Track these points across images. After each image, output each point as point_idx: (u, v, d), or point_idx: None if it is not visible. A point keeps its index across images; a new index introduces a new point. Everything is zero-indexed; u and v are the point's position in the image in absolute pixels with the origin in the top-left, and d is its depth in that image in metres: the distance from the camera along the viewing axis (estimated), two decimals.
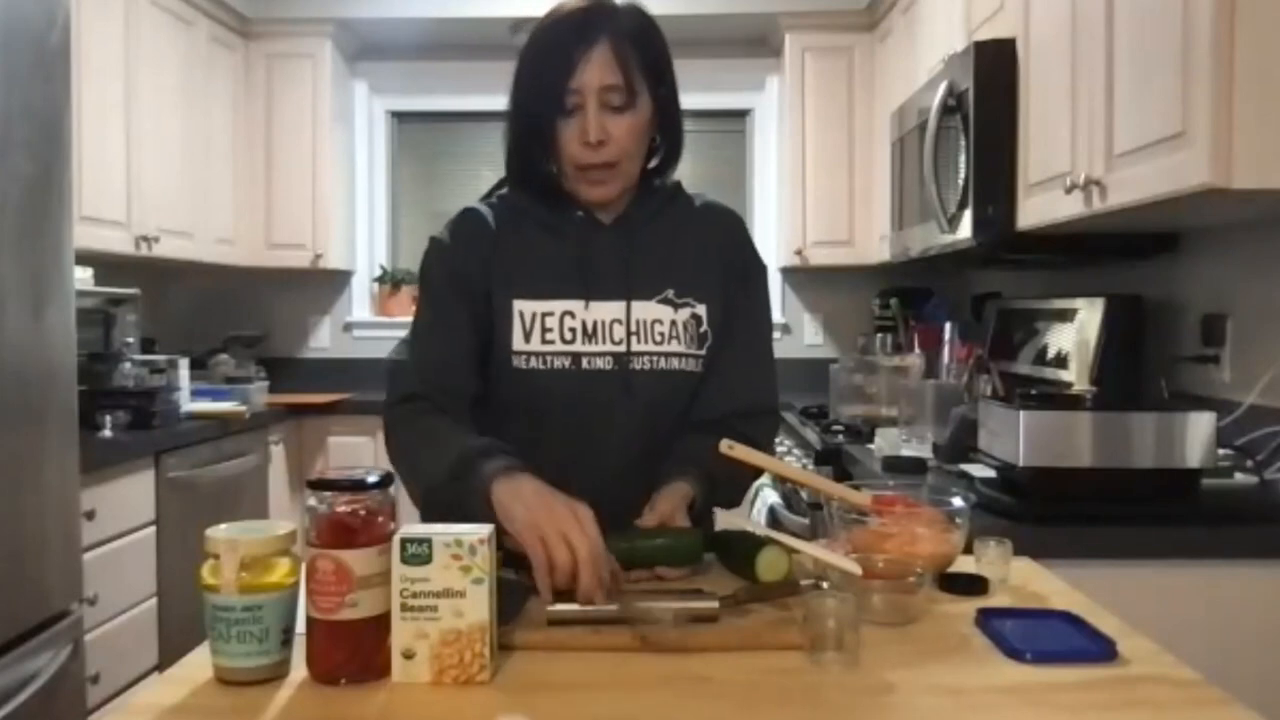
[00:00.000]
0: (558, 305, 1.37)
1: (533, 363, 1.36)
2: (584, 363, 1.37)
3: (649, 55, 1.36)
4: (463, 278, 1.40)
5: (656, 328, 1.39)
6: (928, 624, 1.09)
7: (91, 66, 3.06)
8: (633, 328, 1.38)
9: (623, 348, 1.37)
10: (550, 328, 1.37)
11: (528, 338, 1.36)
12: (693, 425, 1.40)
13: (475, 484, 1.19)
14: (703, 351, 1.41)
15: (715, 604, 1.06)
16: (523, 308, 1.37)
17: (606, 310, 1.38)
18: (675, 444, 1.39)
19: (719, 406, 1.41)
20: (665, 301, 1.40)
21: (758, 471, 1.36)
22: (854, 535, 1.24)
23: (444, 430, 1.30)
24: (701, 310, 1.42)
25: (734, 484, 1.43)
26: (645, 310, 1.39)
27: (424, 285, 1.45)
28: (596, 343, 1.37)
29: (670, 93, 1.41)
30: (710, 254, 1.45)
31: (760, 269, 1.51)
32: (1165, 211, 1.83)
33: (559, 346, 1.36)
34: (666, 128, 1.42)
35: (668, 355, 1.39)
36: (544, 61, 1.33)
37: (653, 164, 1.45)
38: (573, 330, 1.37)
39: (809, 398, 3.49)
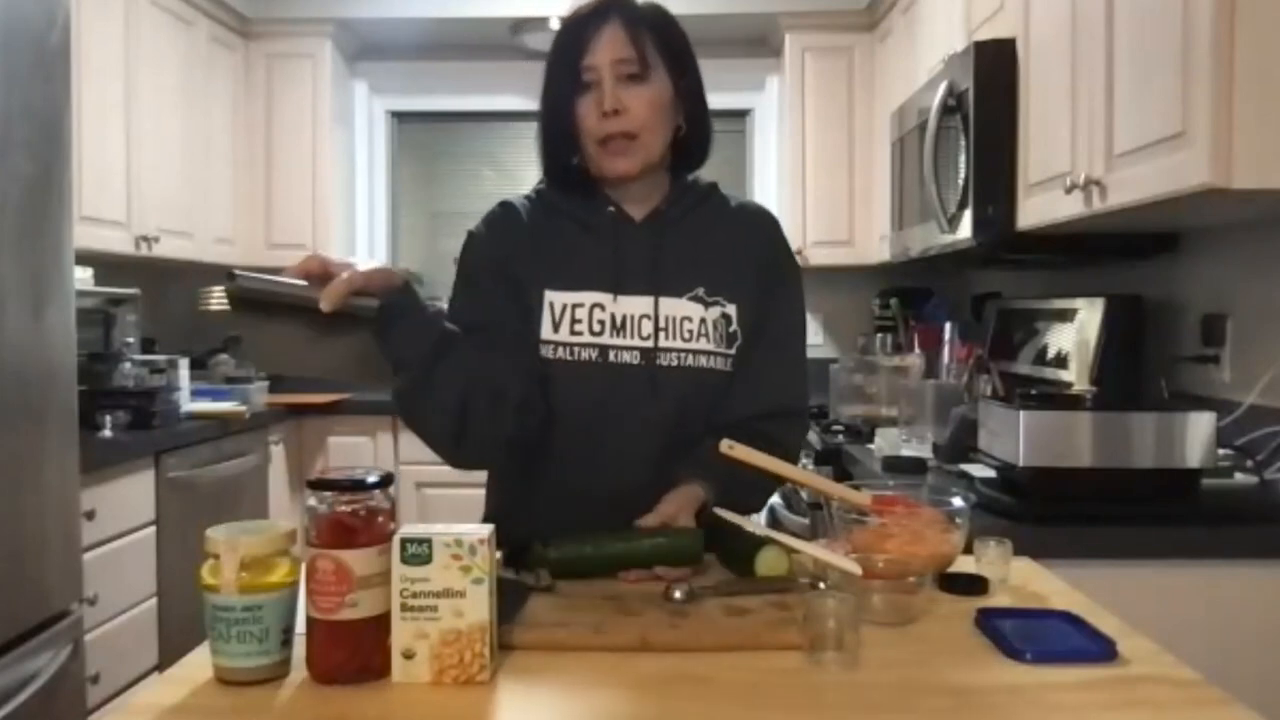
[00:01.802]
0: (587, 297, 1.38)
1: (560, 353, 1.37)
2: (611, 356, 1.37)
3: (665, 40, 1.38)
4: (497, 262, 1.41)
5: (685, 325, 1.39)
6: (928, 624, 1.09)
7: (91, 66, 3.06)
8: (661, 324, 1.38)
9: (650, 343, 1.38)
10: (579, 319, 1.38)
11: (556, 328, 1.37)
12: (719, 426, 1.39)
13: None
14: (732, 351, 1.41)
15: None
16: (553, 298, 1.38)
17: (635, 305, 1.38)
18: (696, 445, 1.38)
19: (746, 407, 1.41)
20: (695, 299, 1.40)
21: (778, 482, 1.36)
22: (854, 535, 1.24)
23: None
24: (731, 310, 1.42)
25: (751, 488, 1.41)
26: (674, 307, 1.39)
27: (460, 272, 1.46)
28: (625, 337, 1.38)
29: (694, 84, 1.43)
30: (743, 254, 1.45)
31: (794, 271, 1.51)
32: (1165, 211, 1.83)
33: (587, 339, 1.37)
34: (693, 120, 1.43)
35: (695, 353, 1.39)
36: (561, 49, 1.37)
37: (677, 156, 1.45)
38: (601, 323, 1.37)
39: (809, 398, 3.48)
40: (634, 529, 1.26)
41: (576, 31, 1.36)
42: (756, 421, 1.38)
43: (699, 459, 1.35)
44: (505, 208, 1.47)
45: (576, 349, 1.37)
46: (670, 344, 1.38)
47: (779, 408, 1.45)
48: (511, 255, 1.41)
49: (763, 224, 1.51)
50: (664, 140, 1.40)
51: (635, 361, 1.37)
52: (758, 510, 1.46)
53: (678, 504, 1.29)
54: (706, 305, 1.41)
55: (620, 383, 1.37)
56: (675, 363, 1.38)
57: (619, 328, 1.38)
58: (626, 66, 1.34)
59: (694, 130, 1.44)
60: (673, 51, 1.39)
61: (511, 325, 1.38)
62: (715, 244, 1.44)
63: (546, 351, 1.37)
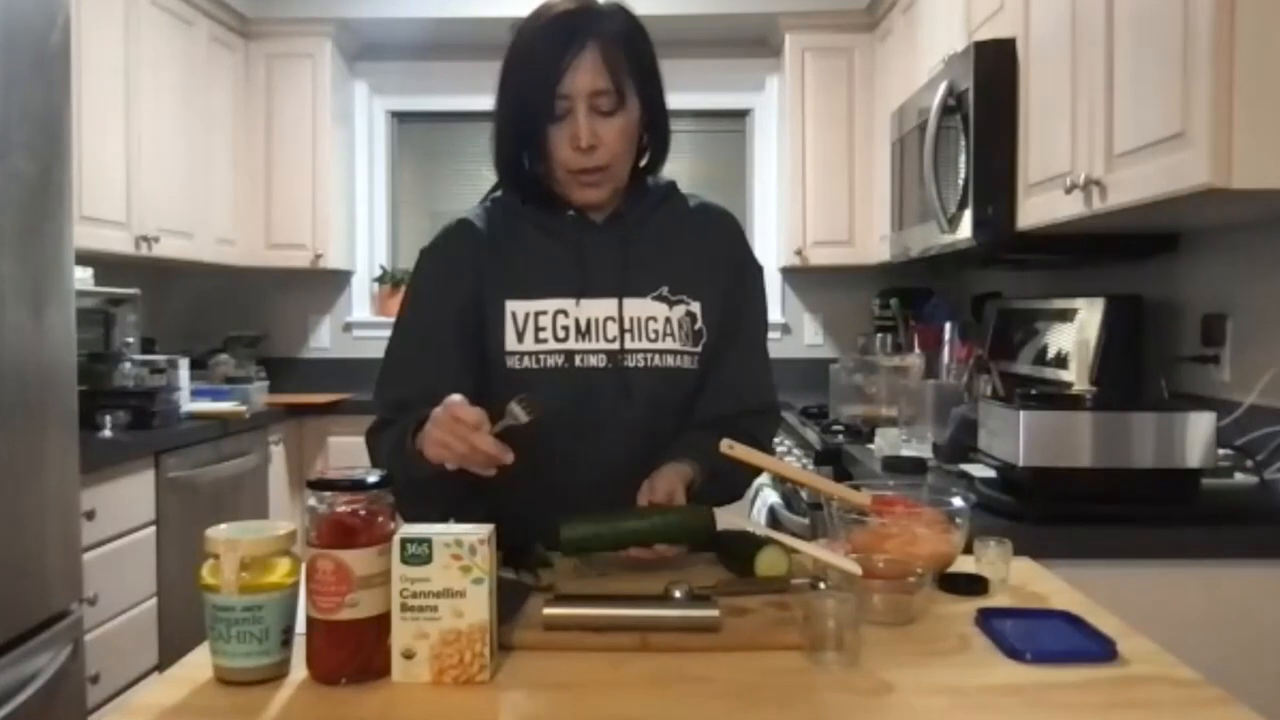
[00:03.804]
0: (550, 304, 1.37)
1: (525, 362, 1.36)
2: (577, 360, 1.37)
3: (637, 57, 1.36)
4: (447, 279, 1.41)
5: (650, 325, 1.39)
6: (928, 624, 1.09)
7: (91, 66, 3.05)
8: (626, 325, 1.38)
9: (616, 345, 1.38)
10: (543, 326, 1.37)
11: (520, 338, 1.37)
12: (695, 425, 1.41)
13: (408, 449, 1.24)
14: (698, 349, 1.41)
15: (716, 613, 1.03)
16: (515, 308, 1.38)
17: (599, 308, 1.38)
18: (678, 436, 1.39)
19: (721, 406, 1.42)
20: (660, 299, 1.40)
21: (757, 471, 1.36)
22: (854, 535, 1.24)
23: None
24: (696, 307, 1.42)
25: (734, 477, 1.42)
26: (639, 307, 1.39)
27: (409, 288, 1.47)
28: (590, 341, 1.37)
29: (657, 92, 1.41)
30: (705, 253, 1.45)
31: (756, 268, 1.51)
32: (1165, 211, 1.83)
33: (552, 345, 1.36)
34: (654, 126, 1.42)
35: (662, 352, 1.39)
36: (532, 67, 1.33)
37: (642, 163, 1.45)
38: (565, 329, 1.37)
39: (809, 398, 3.49)
40: (645, 508, 1.26)
41: (552, 52, 1.31)
42: (732, 419, 1.38)
43: (684, 443, 1.36)
44: (461, 224, 1.45)
45: (542, 356, 1.37)
46: (636, 345, 1.38)
47: (752, 405, 1.45)
48: (466, 270, 1.40)
49: (724, 224, 1.50)
50: (630, 162, 1.40)
51: (602, 365, 1.37)
52: (739, 499, 1.46)
53: (672, 481, 1.29)
54: (671, 304, 1.40)
55: (589, 387, 1.36)
56: (642, 364, 1.38)
57: (584, 332, 1.37)
58: (603, 100, 1.32)
59: (655, 136, 1.43)
60: (643, 68, 1.37)
61: (456, 345, 1.39)
62: (677, 244, 1.44)
63: (512, 362, 1.36)
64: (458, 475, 1.21)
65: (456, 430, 1.15)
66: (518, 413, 1.17)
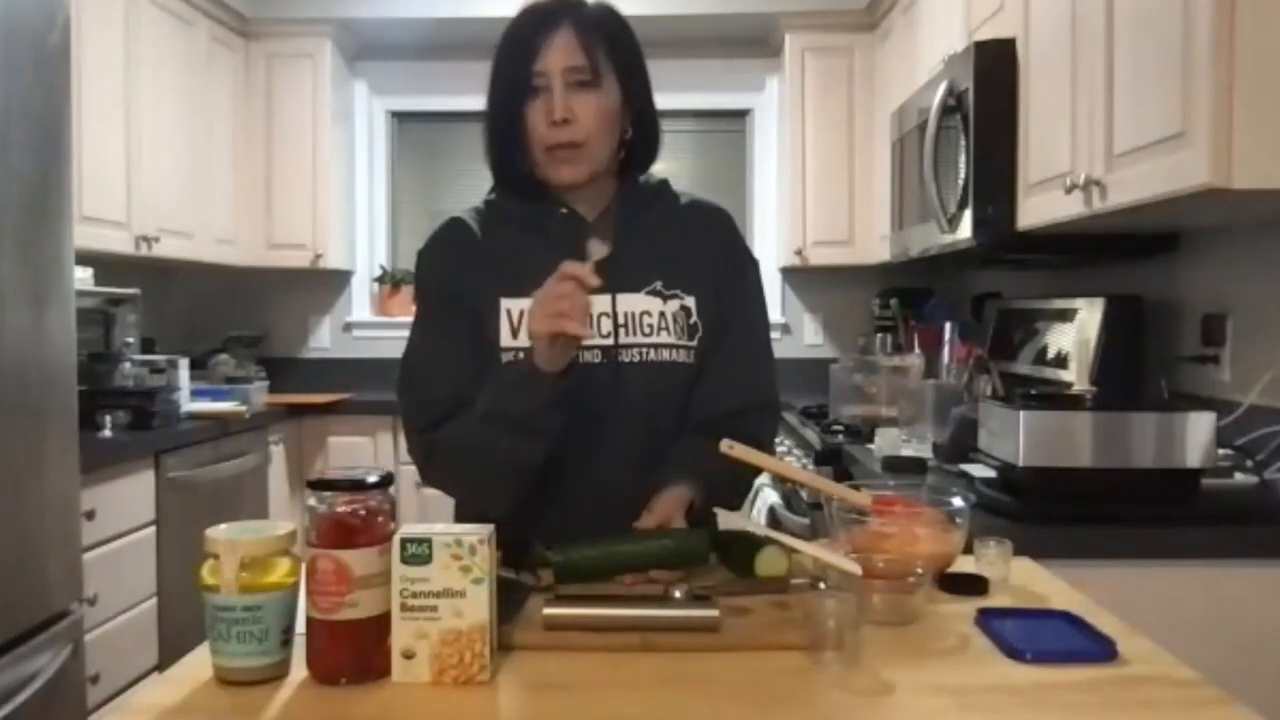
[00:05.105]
0: None
1: (520, 358, 1.36)
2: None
3: (616, 44, 1.38)
4: (449, 281, 1.41)
5: (645, 319, 1.39)
6: (928, 624, 1.09)
7: (91, 66, 3.05)
8: (620, 320, 1.38)
9: (610, 341, 1.37)
10: None
11: (515, 334, 1.37)
12: (693, 425, 1.40)
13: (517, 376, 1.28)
14: (694, 343, 1.41)
15: (716, 613, 1.04)
16: (509, 305, 1.37)
17: (592, 304, 1.37)
18: (674, 446, 1.38)
19: (719, 405, 1.41)
20: (654, 293, 1.40)
21: (757, 471, 1.36)
22: (854, 535, 1.24)
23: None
24: (690, 301, 1.41)
25: (733, 487, 1.43)
26: (632, 302, 1.39)
27: (417, 298, 1.47)
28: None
29: (643, 86, 1.42)
30: (698, 248, 1.45)
31: (752, 263, 1.51)
32: (1165, 211, 1.83)
33: None
34: (641, 121, 1.43)
35: (657, 347, 1.39)
36: (511, 52, 1.37)
37: (626, 157, 1.45)
38: None
39: (809, 398, 3.49)
40: (635, 532, 1.25)
41: (527, 35, 1.35)
42: (730, 418, 1.37)
43: (681, 460, 1.35)
44: (453, 223, 1.46)
45: None
46: (631, 340, 1.38)
47: (752, 403, 1.45)
48: (462, 271, 1.41)
49: (715, 219, 1.50)
50: (611, 147, 1.40)
51: (597, 360, 1.37)
52: (738, 508, 1.45)
53: (670, 506, 1.29)
54: (665, 299, 1.40)
55: (583, 383, 1.35)
56: (637, 358, 1.38)
57: None
58: (577, 74, 1.34)
59: (641, 132, 1.44)
60: (623, 56, 1.39)
61: (472, 349, 1.38)
62: (669, 240, 1.44)
63: (508, 358, 1.36)
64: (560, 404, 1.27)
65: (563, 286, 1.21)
66: None
